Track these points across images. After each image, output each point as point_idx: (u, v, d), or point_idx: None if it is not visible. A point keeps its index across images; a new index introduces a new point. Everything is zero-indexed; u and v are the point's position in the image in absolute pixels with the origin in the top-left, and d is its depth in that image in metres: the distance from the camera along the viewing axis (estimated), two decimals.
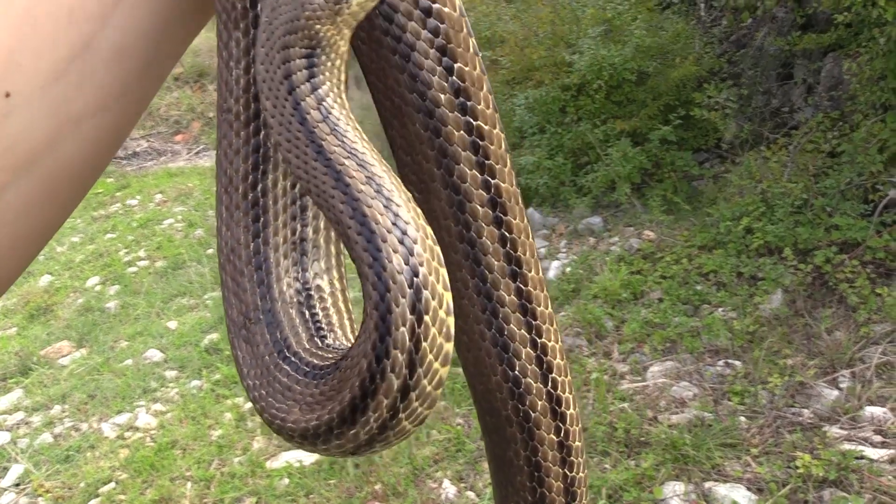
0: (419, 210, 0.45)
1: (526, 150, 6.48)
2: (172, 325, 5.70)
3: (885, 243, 4.40)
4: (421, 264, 0.43)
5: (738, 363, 4.07)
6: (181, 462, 4.15)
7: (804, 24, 6.42)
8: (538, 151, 6.36)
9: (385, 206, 0.43)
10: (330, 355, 0.51)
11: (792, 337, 4.22)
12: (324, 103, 0.46)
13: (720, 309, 4.50)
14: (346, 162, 0.45)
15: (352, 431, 0.46)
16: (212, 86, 12.55)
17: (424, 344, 0.43)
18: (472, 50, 0.53)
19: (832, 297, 4.37)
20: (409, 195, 0.46)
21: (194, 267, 6.60)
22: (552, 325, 0.60)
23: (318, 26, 0.45)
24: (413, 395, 0.44)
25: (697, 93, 6.22)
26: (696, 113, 5.99)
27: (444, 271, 0.45)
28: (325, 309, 0.55)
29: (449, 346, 0.45)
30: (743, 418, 3.72)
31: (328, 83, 0.47)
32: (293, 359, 0.52)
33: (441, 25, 0.51)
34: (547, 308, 0.60)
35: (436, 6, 0.50)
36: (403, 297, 0.42)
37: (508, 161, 0.56)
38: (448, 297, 0.45)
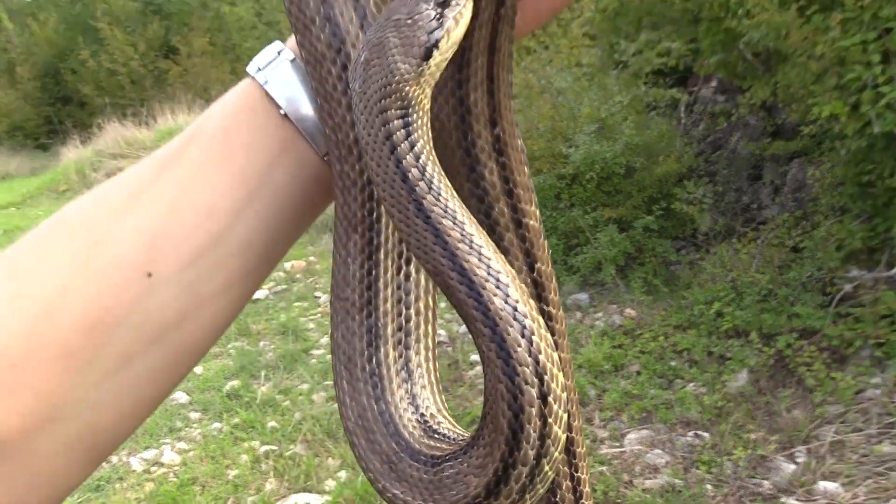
0: (524, 287, 0.47)
1: None
2: (198, 370, 5.70)
3: (840, 332, 4.43)
4: (540, 352, 0.45)
5: (706, 435, 4.09)
6: (200, 498, 4.14)
7: (774, 131, 6.55)
8: None
9: (496, 286, 0.45)
10: (444, 445, 0.54)
11: (755, 413, 4.24)
12: (420, 159, 0.47)
13: (692, 384, 4.53)
14: (453, 233, 0.46)
15: None
16: None
17: (548, 441, 0.46)
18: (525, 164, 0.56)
19: (792, 379, 4.40)
20: (513, 272, 0.47)
21: None
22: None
23: (407, 88, 0.47)
24: (537, 480, 0.47)
25: (678, 188, 6.32)
26: (676, 206, 6.08)
27: (555, 356, 0.46)
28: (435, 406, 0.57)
29: (563, 437, 0.47)
30: (709, 486, 3.73)
31: (422, 140, 0.48)
32: (415, 457, 0.53)
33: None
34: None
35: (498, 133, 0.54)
36: (531, 386, 0.44)
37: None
38: (561, 379, 0.46)
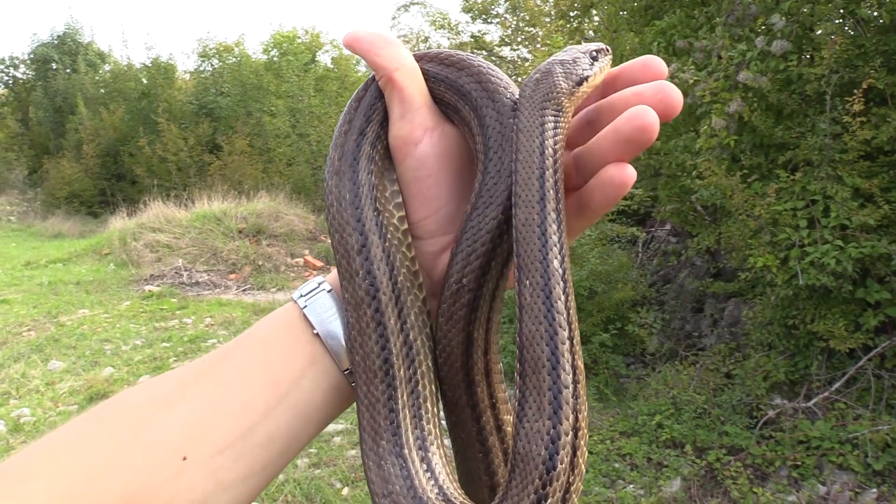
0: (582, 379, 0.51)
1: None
2: None
3: (762, 452, 4.38)
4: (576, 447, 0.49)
5: None
6: None
7: (715, 273, 6.64)
8: (505, 337, 6.40)
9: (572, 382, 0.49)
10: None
11: None
12: (557, 147, 0.54)
13: (632, 485, 4.41)
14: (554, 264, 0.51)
15: None
16: (266, 241, 12.74)
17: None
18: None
19: (719, 490, 4.30)
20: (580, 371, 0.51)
21: None
22: None
23: (563, 98, 0.55)
24: None
25: (631, 312, 6.35)
26: (629, 327, 6.09)
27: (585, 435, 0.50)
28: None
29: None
30: None
31: (562, 134, 0.55)
32: None
33: None
34: None
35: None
36: (561, 463, 0.48)
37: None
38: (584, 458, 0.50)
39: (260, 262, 12.05)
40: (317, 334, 0.60)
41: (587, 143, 0.57)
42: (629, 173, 0.53)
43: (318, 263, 12.55)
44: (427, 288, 0.61)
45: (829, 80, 4.48)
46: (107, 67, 26.93)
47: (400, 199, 0.60)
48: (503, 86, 0.59)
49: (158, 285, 10.75)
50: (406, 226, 0.59)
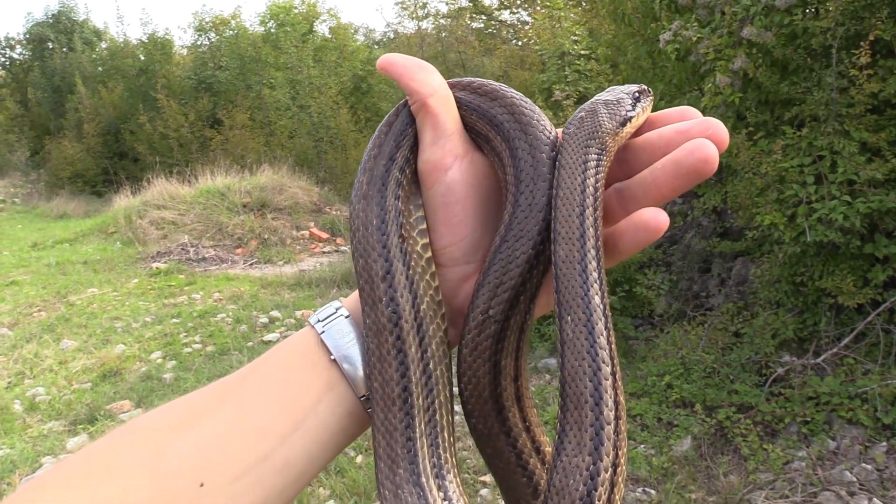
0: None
1: None
2: None
3: (772, 409, 4.40)
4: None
5: (653, 492, 4.00)
6: None
7: (722, 232, 6.61)
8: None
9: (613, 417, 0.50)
10: None
11: (696, 476, 4.16)
12: (598, 183, 0.55)
13: (643, 445, 4.45)
14: (593, 294, 0.52)
15: None
16: (271, 215, 12.73)
17: None
18: None
19: (729, 447, 4.34)
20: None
21: (236, 356, 6.53)
22: None
23: (606, 138, 0.56)
24: None
25: (639, 274, 6.34)
26: (637, 289, 6.09)
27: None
28: None
29: None
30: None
31: (603, 173, 0.56)
32: None
33: None
34: None
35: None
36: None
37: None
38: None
39: (266, 236, 12.07)
40: (334, 360, 0.59)
41: (638, 177, 0.57)
42: (663, 218, 0.53)
43: (324, 235, 12.56)
44: (447, 316, 0.60)
45: (835, 32, 4.40)
46: (103, 45, 26.71)
47: (424, 226, 0.60)
48: (536, 119, 0.60)
49: (165, 262, 10.79)
50: (430, 254, 0.59)
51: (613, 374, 0.50)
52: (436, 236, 0.60)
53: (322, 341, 0.60)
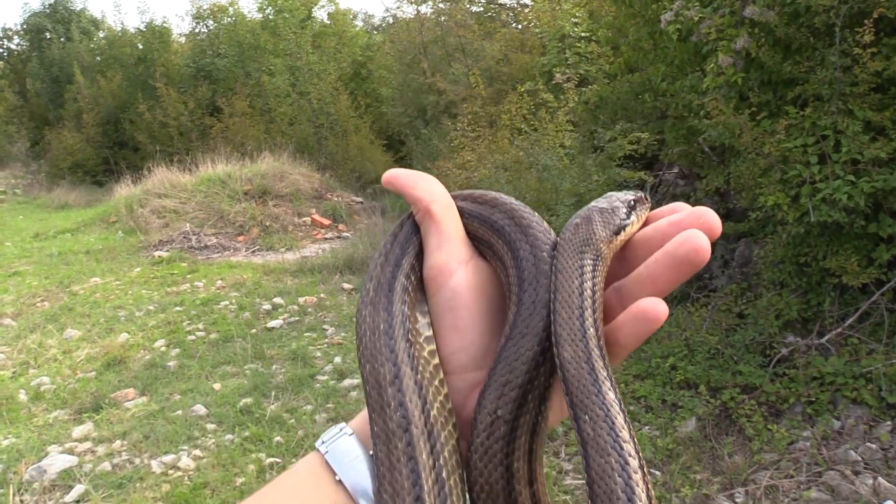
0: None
1: None
2: (217, 386, 5.61)
3: (776, 390, 4.40)
4: None
5: (658, 473, 4.01)
6: (210, 501, 4.02)
7: (725, 214, 6.58)
8: None
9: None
10: None
11: (701, 456, 4.17)
12: (596, 290, 0.55)
13: (647, 427, 4.46)
14: (604, 383, 0.52)
15: None
16: (272, 202, 12.71)
17: None
18: None
19: (734, 428, 4.35)
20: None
21: (239, 342, 6.54)
22: None
23: (601, 245, 0.57)
24: None
25: None
26: None
27: None
28: None
29: None
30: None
31: (600, 278, 0.56)
32: None
33: None
34: None
35: None
36: None
37: None
38: None
39: (267, 223, 12.06)
40: (339, 480, 0.59)
41: (634, 273, 0.57)
42: (662, 308, 0.53)
43: (326, 221, 12.55)
44: (458, 426, 0.59)
45: (839, 11, 4.35)
46: (101, 34, 26.59)
47: (431, 333, 0.60)
48: (535, 221, 0.62)
49: (167, 250, 10.79)
50: (437, 360, 0.59)
51: (641, 467, 0.49)
52: (443, 342, 0.60)
53: (327, 462, 0.60)
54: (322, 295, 8.15)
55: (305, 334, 6.81)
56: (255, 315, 7.45)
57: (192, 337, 6.82)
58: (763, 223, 5.39)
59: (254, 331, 6.90)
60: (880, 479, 3.68)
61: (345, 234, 12.13)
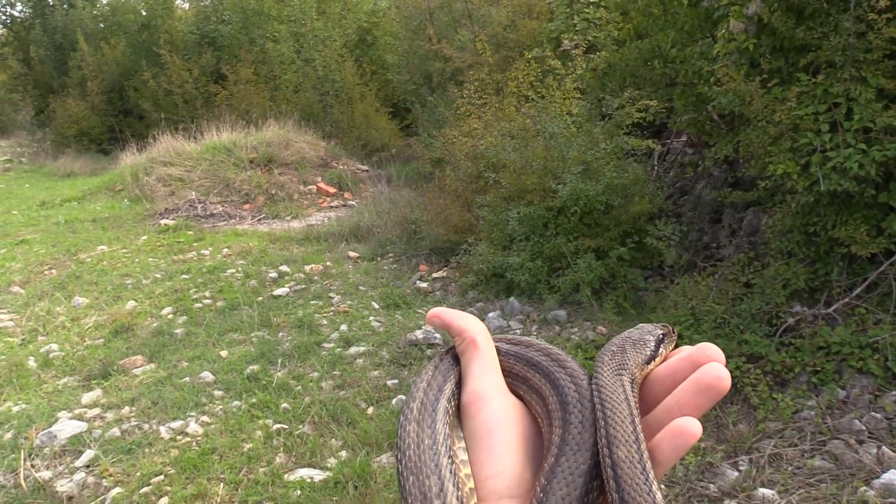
0: None
1: (513, 253, 6.52)
2: (224, 353, 5.64)
3: (782, 359, 4.40)
4: None
5: None
6: (218, 466, 4.06)
7: (734, 182, 6.53)
8: (523, 255, 6.39)
9: None
10: None
11: (706, 425, 4.18)
12: (636, 405, 0.60)
13: None
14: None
15: None
16: (277, 170, 12.67)
17: None
18: None
19: (739, 397, 4.35)
20: None
21: (246, 310, 6.56)
22: None
23: (635, 370, 0.63)
24: None
25: (649, 225, 6.30)
26: (647, 240, 6.05)
27: None
28: None
29: None
30: (663, 486, 3.66)
31: (635, 394, 0.61)
32: None
33: None
34: None
35: None
36: None
37: None
38: None
39: (273, 192, 12.04)
40: None
41: (662, 404, 0.62)
42: (697, 425, 0.57)
43: (331, 190, 12.51)
44: None
45: None
46: (104, 0, 26.28)
47: (466, 457, 0.62)
48: (570, 358, 0.68)
49: (174, 219, 10.80)
50: (472, 483, 0.60)
51: None
52: (478, 466, 0.61)
53: None
54: (328, 263, 8.15)
55: (311, 302, 6.82)
56: (261, 283, 7.47)
57: (199, 305, 6.84)
58: (772, 192, 5.34)
59: (260, 298, 6.92)
60: (884, 448, 3.69)
61: (350, 202, 12.10)
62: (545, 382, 0.66)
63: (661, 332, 0.68)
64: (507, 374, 0.68)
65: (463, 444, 0.63)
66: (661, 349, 0.66)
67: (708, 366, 0.58)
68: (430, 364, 0.69)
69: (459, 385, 0.67)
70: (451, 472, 0.57)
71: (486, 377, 0.65)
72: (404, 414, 0.63)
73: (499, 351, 0.69)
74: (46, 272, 8.25)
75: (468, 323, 0.69)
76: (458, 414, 0.66)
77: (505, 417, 0.64)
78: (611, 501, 0.54)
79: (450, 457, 0.59)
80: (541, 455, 0.62)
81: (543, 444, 0.63)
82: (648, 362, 0.65)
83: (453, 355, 0.69)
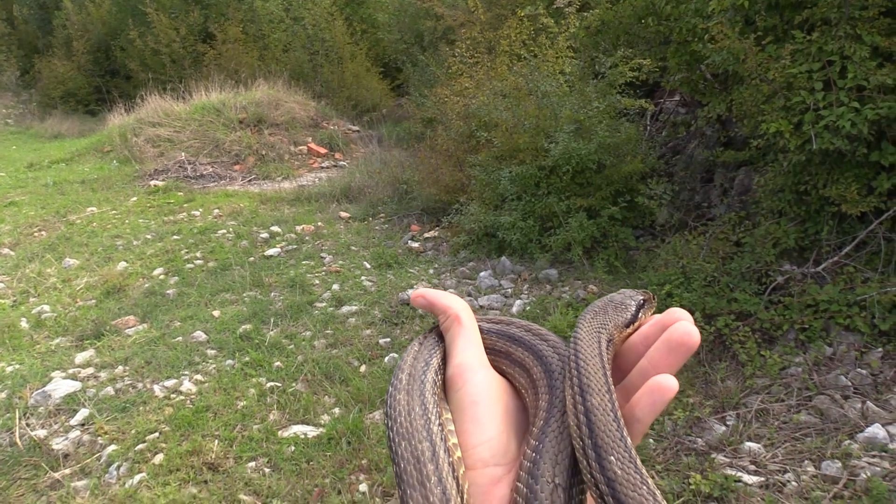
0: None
1: (505, 212, 6.50)
2: (216, 313, 5.65)
3: (770, 317, 4.43)
4: None
5: None
6: (212, 423, 4.09)
7: (726, 142, 6.51)
8: (514, 214, 6.38)
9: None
10: None
11: (694, 381, 4.23)
12: (606, 359, 0.62)
13: None
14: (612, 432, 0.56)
15: None
16: (268, 130, 12.54)
17: None
18: None
19: (727, 354, 4.40)
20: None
21: (238, 270, 6.55)
22: None
23: (614, 331, 0.65)
24: None
25: (641, 184, 6.28)
26: (639, 200, 6.04)
27: None
28: None
29: None
30: (651, 441, 3.72)
31: (610, 353, 0.63)
32: None
33: None
34: None
35: None
36: None
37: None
38: None
39: (263, 152, 11.93)
40: None
41: (636, 367, 0.64)
42: (673, 381, 0.58)
43: (322, 150, 12.41)
44: None
45: None
46: None
47: (453, 428, 0.63)
48: (547, 332, 0.70)
49: (163, 180, 10.70)
50: (460, 453, 0.61)
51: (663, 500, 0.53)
52: (464, 436, 0.62)
53: None
54: (319, 223, 8.12)
55: (303, 262, 6.82)
56: (252, 243, 7.45)
57: (191, 265, 6.82)
58: (764, 151, 5.32)
59: (252, 259, 6.90)
60: (869, 403, 3.75)
61: (341, 162, 12.01)
62: (528, 354, 0.68)
63: (643, 297, 0.70)
64: (490, 350, 0.70)
65: (449, 416, 0.64)
66: (640, 314, 0.68)
67: (677, 324, 0.60)
68: (414, 341, 0.71)
69: (444, 361, 0.68)
70: (441, 439, 0.58)
71: (469, 351, 0.67)
72: (393, 384, 0.65)
73: (481, 329, 0.71)
74: (36, 234, 8.19)
75: (451, 301, 0.71)
76: (444, 389, 0.67)
77: (489, 389, 0.65)
78: (583, 446, 0.56)
79: (440, 424, 0.60)
80: (524, 428, 0.64)
81: (528, 415, 0.65)
82: (627, 326, 0.66)
83: (437, 333, 0.72)
